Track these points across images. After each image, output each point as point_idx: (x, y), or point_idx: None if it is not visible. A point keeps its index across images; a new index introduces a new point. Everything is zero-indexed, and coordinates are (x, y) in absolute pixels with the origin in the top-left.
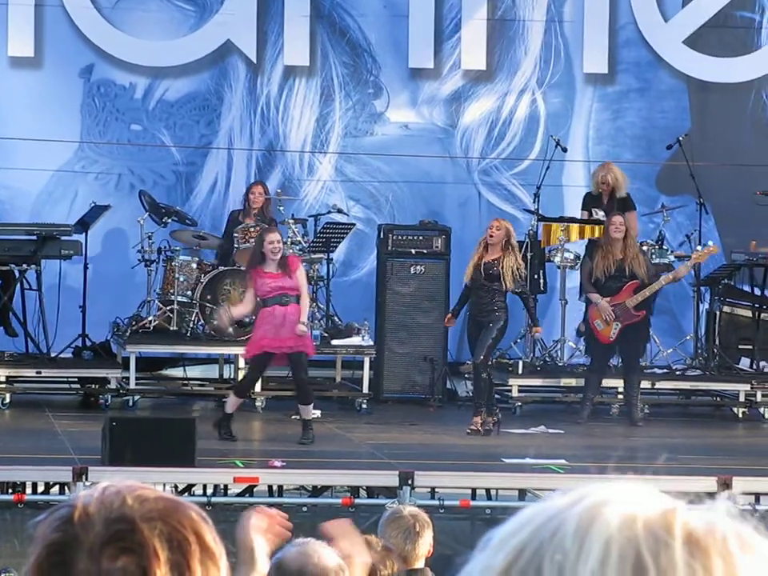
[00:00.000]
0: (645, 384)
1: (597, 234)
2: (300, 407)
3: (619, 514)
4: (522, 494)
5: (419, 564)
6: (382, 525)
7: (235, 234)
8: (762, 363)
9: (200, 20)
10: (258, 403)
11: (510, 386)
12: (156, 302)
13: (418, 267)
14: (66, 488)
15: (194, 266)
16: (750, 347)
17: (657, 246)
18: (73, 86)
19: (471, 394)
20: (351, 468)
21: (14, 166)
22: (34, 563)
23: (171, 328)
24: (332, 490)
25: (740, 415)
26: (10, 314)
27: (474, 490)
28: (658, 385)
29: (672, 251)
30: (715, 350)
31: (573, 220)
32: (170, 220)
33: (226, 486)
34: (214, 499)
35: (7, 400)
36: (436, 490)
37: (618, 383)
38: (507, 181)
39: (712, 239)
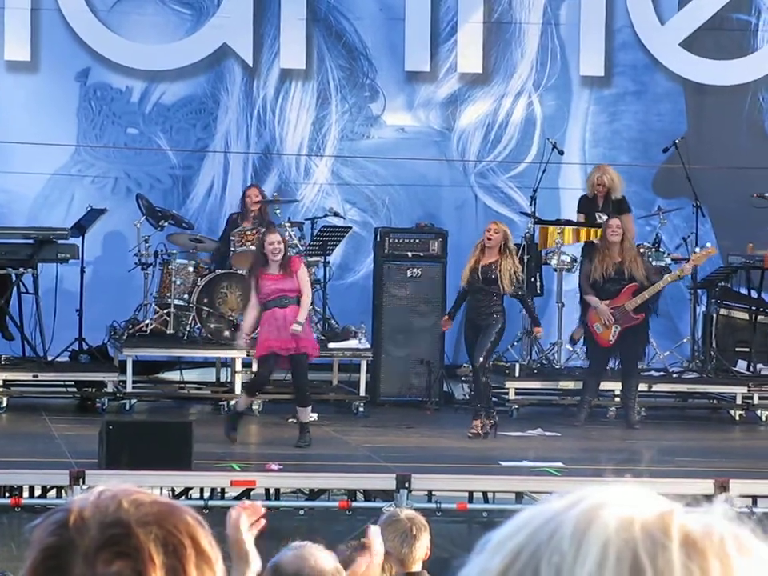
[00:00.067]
0: (642, 387)
1: (592, 237)
2: (298, 409)
3: (616, 516)
4: (519, 496)
5: (416, 567)
6: (378, 528)
7: (232, 238)
8: (758, 366)
9: (196, 23)
10: (254, 406)
11: (507, 388)
12: (153, 305)
13: (415, 270)
14: (63, 492)
15: (191, 269)
16: (747, 350)
17: (653, 249)
18: (69, 90)
19: (469, 398)
20: (348, 471)
21: (10, 170)
22: (30, 567)
23: (168, 331)
24: (329, 494)
25: (737, 418)
26: (7, 317)
27: (471, 492)
28: (655, 387)
29: (668, 254)
30: (712, 353)
31: (569, 223)
32: (166, 223)
33: (222, 490)
34: (210, 503)
35: (4, 404)
36: (433, 492)
37: (615, 386)
38: (504, 184)
39: (708, 242)
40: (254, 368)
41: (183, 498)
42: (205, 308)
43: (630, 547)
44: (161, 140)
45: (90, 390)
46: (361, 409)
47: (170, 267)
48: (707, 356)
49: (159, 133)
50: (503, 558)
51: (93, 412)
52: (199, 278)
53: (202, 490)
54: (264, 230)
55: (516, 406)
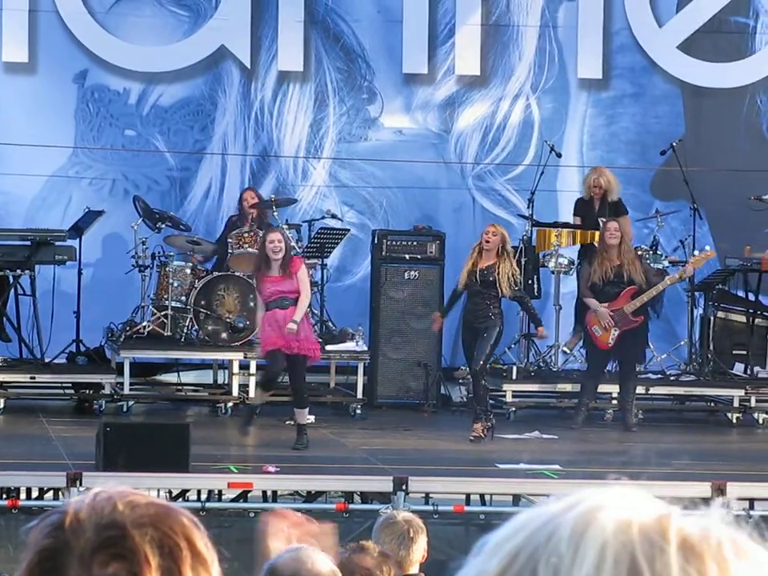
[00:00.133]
0: (639, 389)
1: (589, 240)
2: (295, 411)
3: (614, 519)
4: (516, 499)
5: (413, 569)
6: (376, 530)
7: (229, 240)
8: (756, 368)
9: (194, 25)
10: None
11: (504, 391)
12: (150, 307)
13: (412, 272)
14: (60, 493)
15: (188, 271)
16: (744, 352)
17: (651, 252)
18: (67, 92)
19: (466, 400)
20: (345, 473)
21: (8, 172)
22: (26, 569)
23: (165, 333)
24: (326, 496)
25: (734, 420)
26: (4, 319)
27: (468, 495)
28: (652, 390)
29: (666, 256)
30: (709, 356)
31: (567, 225)
32: (163, 225)
33: (220, 492)
34: (208, 505)
35: (1, 405)
36: (430, 495)
37: (612, 389)
38: (501, 186)
39: (706, 244)
40: (252, 370)
41: (180, 499)
42: (202, 310)
43: (627, 550)
44: (158, 142)
45: (87, 391)
46: (358, 411)
47: (167, 269)
48: (704, 359)
49: (157, 135)
50: (500, 560)
51: (90, 414)
52: (196, 280)
53: (199, 491)
54: (261, 231)
55: (513, 409)
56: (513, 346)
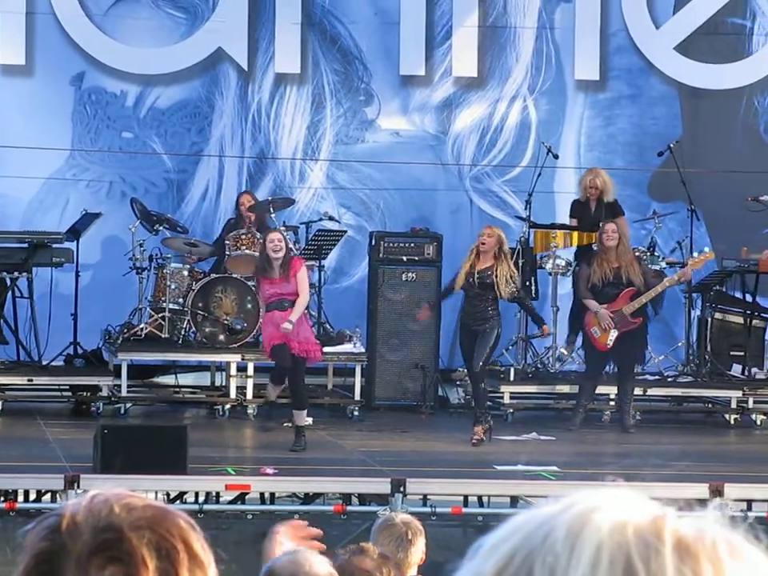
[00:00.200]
0: (637, 390)
1: (585, 242)
2: (294, 413)
3: (609, 519)
4: (514, 500)
5: (412, 572)
6: (374, 532)
7: (227, 242)
8: (753, 370)
9: (191, 27)
10: (249, 411)
11: (502, 392)
12: (147, 309)
13: (410, 274)
14: (57, 496)
15: (186, 273)
16: (742, 354)
17: (648, 253)
18: (64, 94)
19: (464, 402)
20: (343, 475)
21: (5, 174)
22: (23, 572)
23: (163, 335)
24: (324, 498)
25: (732, 422)
26: (2, 321)
27: (465, 496)
28: (650, 391)
29: (664, 258)
30: (707, 357)
31: (564, 227)
32: (161, 227)
33: (217, 494)
34: (205, 507)
35: None
36: (428, 497)
37: (610, 390)
38: (499, 188)
39: (704, 246)
40: (247, 375)
41: (178, 502)
42: (200, 312)
43: (623, 551)
44: (156, 144)
45: (84, 394)
46: (356, 413)
47: (164, 271)
48: (702, 360)
49: (154, 137)
50: (496, 561)
51: (88, 416)
52: (194, 282)
53: (196, 494)
54: (259, 234)
55: (511, 410)
56: (510, 347)
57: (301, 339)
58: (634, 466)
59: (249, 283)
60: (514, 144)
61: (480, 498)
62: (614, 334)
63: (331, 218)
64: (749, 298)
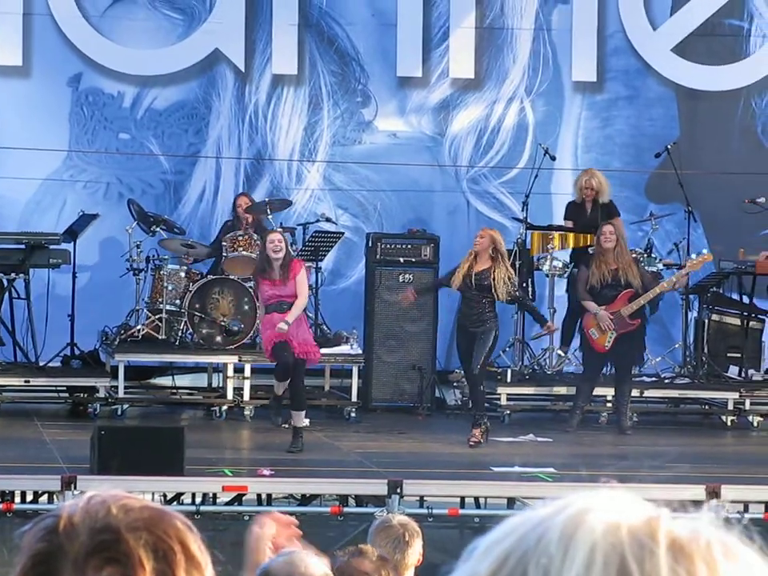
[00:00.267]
0: (634, 392)
1: (582, 244)
2: (293, 413)
3: (603, 521)
4: (511, 502)
5: (409, 573)
6: (371, 534)
7: (224, 243)
8: (750, 371)
9: (188, 29)
10: (246, 412)
11: (499, 394)
12: (144, 310)
13: (407, 276)
14: (54, 497)
15: (183, 274)
16: (739, 355)
17: (645, 254)
18: (61, 95)
19: (461, 404)
20: (340, 476)
21: (2, 175)
22: (20, 573)
23: (160, 337)
24: (321, 499)
25: (729, 423)
26: None
27: (462, 498)
28: (647, 393)
29: (660, 259)
30: (704, 358)
31: (561, 228)
32: (158, 229)
33: (214, 495)
34: (202, 508)
35: None
36: (425, 498)
37: (607, 391)
38: (496, 189)
39: (701, 247)
40: (244, 376)
41: (175, 503)
42: (197, 313)
43: (617, 551)
44: (153, 145)
45: (81, 395)
46: (353, 414)
47: (161, 272)
48: (699, 361)
49: (151, 138)
50: (491, 563)
51: (85, 417)
52: (191, 284)
53: (193, 495)
54: (256, 235)
55: (508, 412)
56: (507, 349)
57: (300, 341)
58: (631, 467)
59: (246, 285)
60: (511, 145)
61: (477, 499)
62: (611, 336)
63: (328, 220)
64: (746, 299)
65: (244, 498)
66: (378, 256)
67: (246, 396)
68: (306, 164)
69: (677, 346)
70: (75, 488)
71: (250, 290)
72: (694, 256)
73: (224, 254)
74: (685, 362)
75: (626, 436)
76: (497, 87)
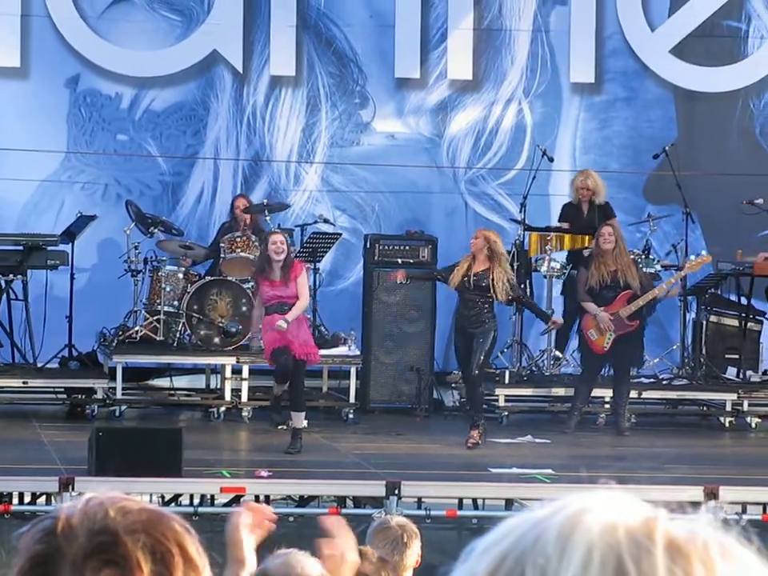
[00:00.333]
0: (632, 393)
1: (578, 245)
2: (292, 414)
3: (600, 521)
4: (509, 503)
5: (407, 575)
6: (369, 535)
7: (222, 244)
8: (748, 372)
9: (186, 30)
10: (244, 413)
11: (497, 395)
12: (142, 312)
13: None
14: (52, 498)
15: (181, 276)
16: (737, 356)
17: (643, 256)
18: (59, 96)
19: (459, 405)
20: (338, 478)
21: (0, 176)
22: (18, 575)
23: (158, 338)
24: (318, 500)
25: (727, 424)
26: None
27: (460, 499)
28: (645, 394)
29: (659, 260)
30: (702, 360)
31: (559, 230)
32: (156, 230)
33: (212, 496)
34: (200, 509)
35: None
36: (423, 499)
37: (605, 393)
38: (494, 190)
39: (699, 249)
40: (242, 377)
41: (173, 504)
42: (194, 315)
43: (614, 551)
44: (151, 146)
45: (79, 396)
46: (350, 415)
47: (159, 274)
48: (697, 363)
49: (149, 139)
50: (488, 564)
51: (82, 419)
52: (189, 285)
53: (191, 496)
54: (254, 237)
55: (506, 413)
56: (505, 350)
57: (301, 342)
58: (629, 468)
59: (244, 286)
60: (509, 147)
61: (475, 500)
62: (610, 337)
63: (326, 221)
64: (744, 300)
65: (242, 500)
66: (375, 257)
67: (244, 397)
68: (304, 165)
69: (675, 347)
70: (73, 489)
71: (248, 291)
72: (692, 257)
73: (222, 256)
74: (683, 364)
75: (624, 437)
76: (495, 88)
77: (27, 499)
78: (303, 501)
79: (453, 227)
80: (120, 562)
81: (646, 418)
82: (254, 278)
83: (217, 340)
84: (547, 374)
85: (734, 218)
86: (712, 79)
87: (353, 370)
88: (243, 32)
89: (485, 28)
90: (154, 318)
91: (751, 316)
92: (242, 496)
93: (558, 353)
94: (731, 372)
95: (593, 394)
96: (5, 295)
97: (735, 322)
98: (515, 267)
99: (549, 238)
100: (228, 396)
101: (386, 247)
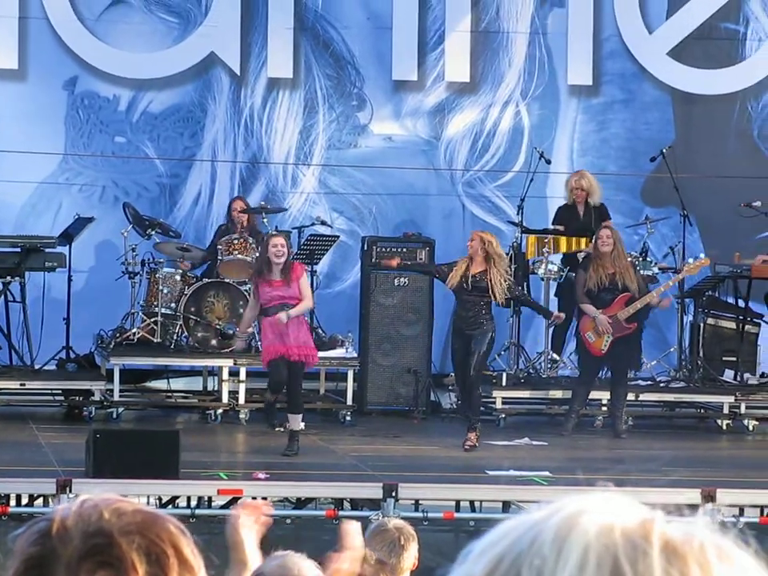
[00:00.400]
0: (629, 396)
1: (574, 248)
2: (289, 416)
3: (597, 522)
4: (506, 506)
5: None
6: (366, 538)
7: (219, 247)
8: (745, 375)
9: (184, 32)
10: (241, 415)
11: (494, 397)
12: (140, 314)
13: (402, 279)
14: (49, 500)
15: (178, 278)
16: (734, 359)
17: (641, 258)
18: (57, 98)
19: (456, 407)
20: (335, 480)
21: None
22: None
23: (155, 340)
24: (316, 502)
25: (724, 427)
26: None
27: (457, 502)
28: (642, 397)
29: (656, 263)
30: (699, 362)
31: (557, 232)
32: (153, 232)
33: (209, 498)
34: (197, 511)
35: None
36: (420, 502)
37: (602, 395)
38: (491, 193)
39: (696, 251)
40: (239, 380)
41: (170, 506)
42: (192, 317)
43: (610, 552)
44: (148, 148)
45: (77, 398)
46: (348, 418)
47: (156, 276)
48: (694, 365)
49: (147, 141)
50: (485, 565)
51: (80, 420)
52: (186, 287)
53: (189, 498)
54: (251, 239)
55: (503, 415)
56: (503, 352)
57: (300, 343)
58: (626, 471)
59: (241, 288)
60: (507, 149)
61: (472, 503)
62: (608, 339)
63: (323, 223)
64: (741, 303)
65: (239, 502)
66: (373, 259)
67: (242, 399)
68: (302, 167)
69: (672, 349)
70: (70, 491)
71: (245, 293)
72: (691, 260)
73: (219, 258)
74: (680, 366)
75: (621, 440)
76: (492, 91)
77: (24, 501)
78: (300, 503)
79: (450, 229)
80: (115, 564)
81: (644, 420)
82: (251, 280)
83: (214, 342)
84: (544, 376)
85: (732, 221)
86: (710, 81)
87: (350, 372)
88: (240, 34)
89: (482, 30)
90: (152, 320)
91: (749, 318)
92: (239, 498)
93: (555, 355)
94: (728, 375)
95: (590, 397)
96: (2, 297)
97: (733, 325)
98: (512, 269)
99: (546, 240)
100: (225, 398)
101: (384, 249)
